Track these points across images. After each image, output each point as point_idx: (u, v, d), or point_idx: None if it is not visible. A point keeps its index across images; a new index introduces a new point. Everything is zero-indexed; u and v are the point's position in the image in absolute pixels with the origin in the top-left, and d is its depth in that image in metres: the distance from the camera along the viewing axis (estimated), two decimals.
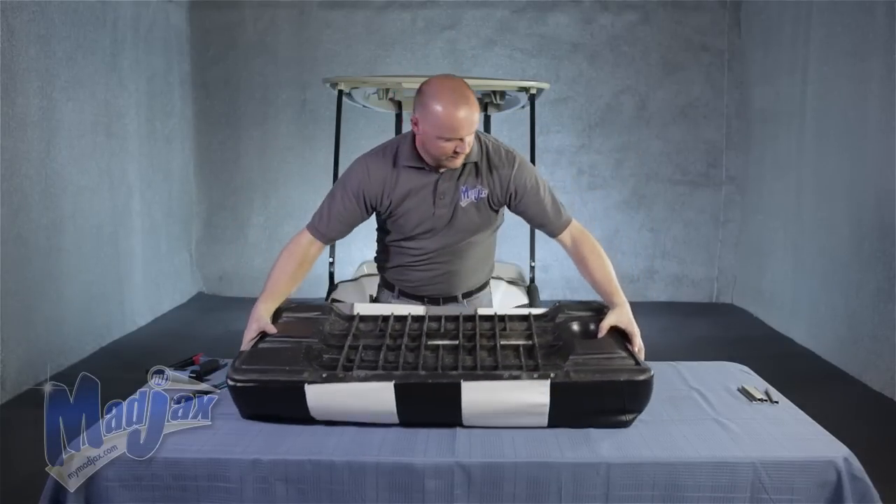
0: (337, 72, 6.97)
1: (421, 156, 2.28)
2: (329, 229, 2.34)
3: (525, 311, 2.23)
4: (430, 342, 2.01)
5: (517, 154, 2.42)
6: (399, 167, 2.31)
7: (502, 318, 2.15)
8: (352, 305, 2.30)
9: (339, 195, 2.34)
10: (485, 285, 2.61)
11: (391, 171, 2.31)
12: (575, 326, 2.06)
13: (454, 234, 2.38)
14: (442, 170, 2.31)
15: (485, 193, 2.34)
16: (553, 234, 2.41)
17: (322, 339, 2.02)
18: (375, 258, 2.61)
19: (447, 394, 1.76)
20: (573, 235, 2.38)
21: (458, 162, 2.24)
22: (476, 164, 2.33)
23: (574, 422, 1.78)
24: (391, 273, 2.53)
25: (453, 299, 2.51)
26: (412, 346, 1.98)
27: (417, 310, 2.25)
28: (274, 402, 1.81)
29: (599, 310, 2.12)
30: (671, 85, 7.33)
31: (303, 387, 1.77)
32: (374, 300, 2.64)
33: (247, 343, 2.11)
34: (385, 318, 2.16)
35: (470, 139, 2.19)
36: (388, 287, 2.56)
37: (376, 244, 2.57)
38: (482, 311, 2.23)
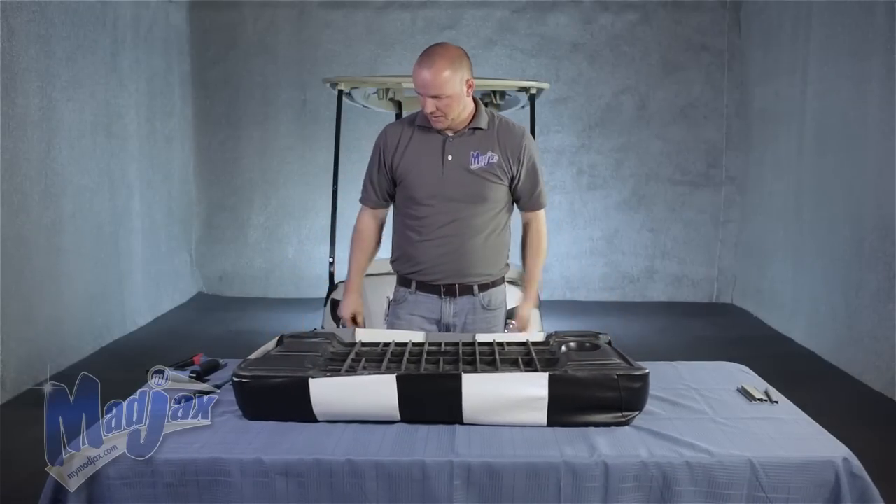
0: (337, 72, 6.97)
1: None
2: (371, 196, 2.58)
3: (523, 338, 2.24)
4: (430, 359, 2.02)
5: (525, 129, 2.56)
6: (414, 127, 2.49)
7: (501, 343, 2.17)
8: (353, 332, 2.30)
9: (371, 162, 2.57)
10: (500, 280, 2.61)
11: (406, 129, 2.50)
12: (572, 345, 2.08)
13: (464, 200, 2.43)
14: (450, 133, 2.43)
15: (496, 158, 2.43)
16: (523, 208, 2.58)
17: (325, 358, 2.02)
18: (391, 259, 2.64)
19: (448, 387, 1.78)
20: (534, 221, 2.61)
21: (437, 124, 2.40)
22: (486, 130, 2.45)
23: (572, 419, 1.79)
24: (404, 261, 2.55)
25: (469, 290, 2.51)
26: (413, 361, 1.99)
27: (417, 336, 2.26)
28: (278, 398, 1.81)
29: (595, 335, 2.14)
30: (671, 85, 7.33)
31: (307, 381, 1.78)
32: (392, 301, 2.65)
33: (345, 321, 2.56)
34: (386, 344, 2.16)
35: (439, 103, 2.32)
36: (405, 284, 2.57)
37: (391, 241, 2.62)
38: (480, 338, 2.23)
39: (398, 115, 5.15)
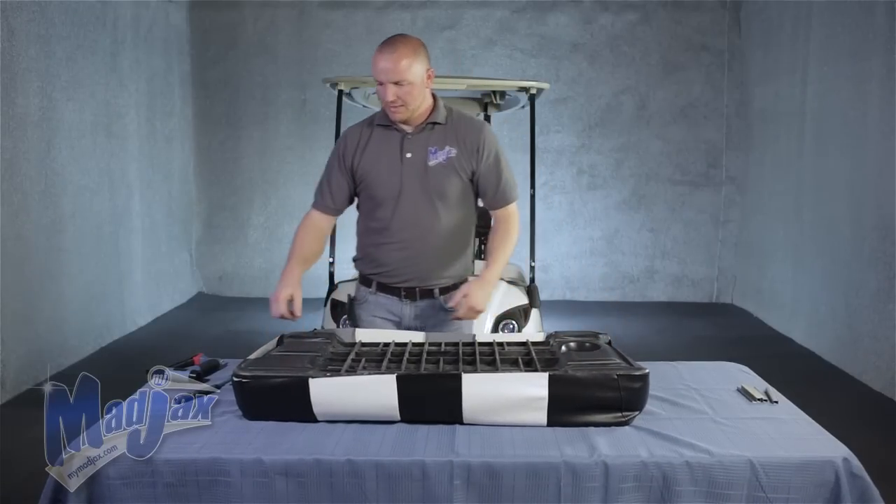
0: (337, 72, 6.97)
1: (390, 116, 2.43)
2: (325, 200, 2.50)
3: (523, 338, 2.24)
4: (430, 359, 2.02)
5: (484, 122, 2.53)
6: (373, 126, 2.47)
7: (501, 343, 2.17)
8: (353, 332, 2.29)
9: (329, 164, 2.52)
10: (463, 281, 2.55)
11: (366, 130, 2.48)
12: (572, 345, 2.08)
13: (424, 199, 2.39)
14: (408, 129, 2.41)
15: (454, 153, 2.40)
16: (489, 206, 2.52)
17: (325, 358, 2.02)
18: (354, 258, 2.60)
19: (448, 387, 1.78)
20: (503, 216, 2.51)
21: (397, 114, 2.36)
22: (443, 125, 2.43)
23: (572, 419, 1.79)
24: (367, 262, 2.52)
25: (430, 294, 2.47)
26: (413, 361, 1.99)
27: (417, 336, 2.25)
28: (278, 398, 1.81)
29: (595, 335, 2.14)
30: (671, 85, 7.34)
31: (307, 381, 1.78)
32: (351, 300, 2.62)
33: (282, 308, 2.34)
34: (386, 344, 2.16)
35: (399, 91, 2.30)
36: (366, 283, 2.54)
37: (356, 241, 2.58)
38: (480, 338, 2.23)
39: None
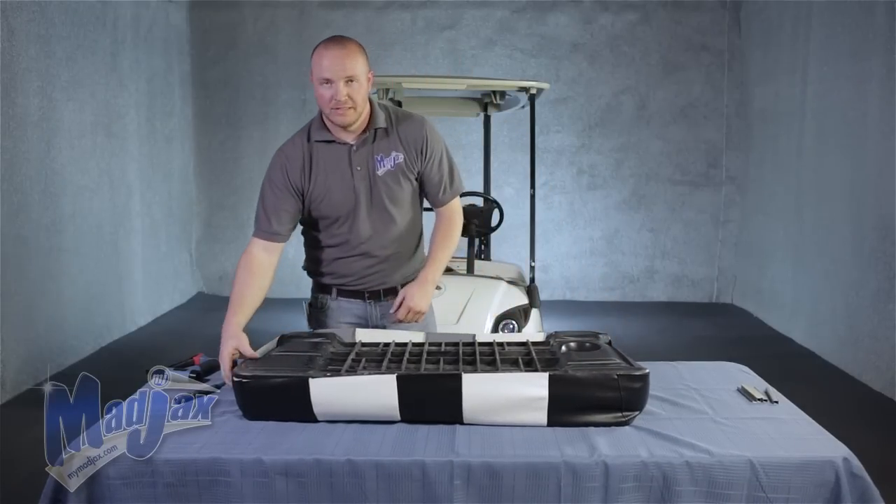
0: None
1: (329, 128, 2.31)
2: (272, 226, 2.32)
3: (523, 338, 2.24)
4: (430, 359, 2.02)
5: (425, 118, 2.42)
6: (312, 144, 2.33)
7: (501, 343, 2.17)
8: (353, 332, 2.29)
9: (267, 190, 2.34)
10: None
11: (306, 149, 2.33)
12: (572, 345, 2.08)
13: (379, 209, 2.34)
14: (353, 142, 2.31)
15: (401, 158, 2.34)
16: (433, 204, 2.48)
17: (325, 358, 2.02)
18: (304, 266, 2.53)
19: (448, 387, 1.78)
20: (445, 213, 2.46)
21: (345, 117, 2.24)
22: (386, 129, 2.34)
23: (572, 419, 1.79)
24: (326, 276, 2.46)
25: (393, 291, 2.44)
26: (414, 361, 1.99)
27: (417, 336, 2.26)
28: (278, 398, 1.81)
29: (596, 335, 2.14)
30: (671, 85, 7.34)
31: (307, 381, 1.78)
32: (311, 306, 2.53)
33: (227, 367, 2.01)
34: (386, 344, 2.16)
35: (350, 89, 2.19)
36: (324, 290, 2.48)
37: (304, 250, 2.50)
38: (480, 339, 2.23)
39: None
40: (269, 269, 2.33)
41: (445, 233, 2.44)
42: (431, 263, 2.39)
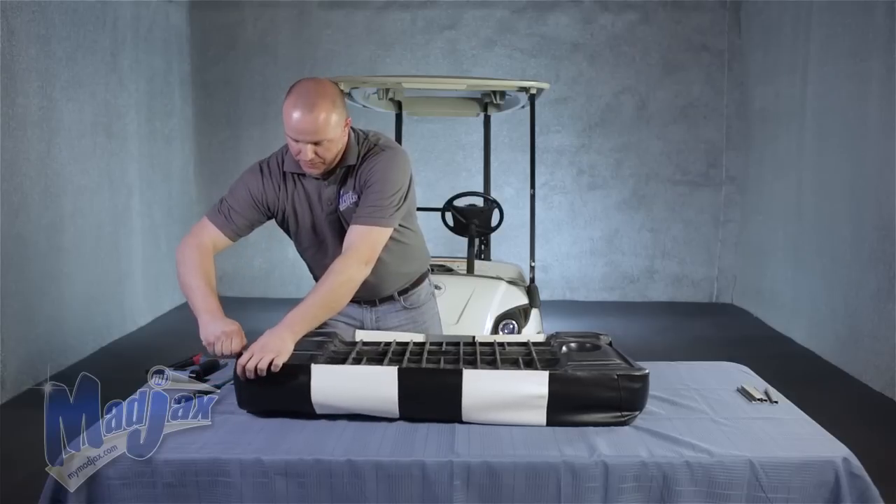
0: (337, 72, 6.97)
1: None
2: (232, 223, 2.25)
3: (523, 338, 2.24)
4: (431, 358, 2.03)
5: (391, 151, 2.24)
6: (286, 174, 2.26)
7: (501, 343, 2.17)
8: (353, 332, 2.30)
9: (240, 189, 2.27)
10: (420, 280, 2.51)
11: (280, 178, 2.26)
12: (572, 345, 2.08)
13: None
14: (322, 178, 2.23)
15: (356, 198, 2.22)
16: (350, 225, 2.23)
17: (326, 357, 2.02)
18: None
19: (449, 382, 1.79)
20: (352, 239, 2.14)
21: (313, 170, 2.16)
22: (353, 166, 2.23)
23: (572, 418, 1.79)
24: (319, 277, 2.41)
25: (388, 298, 2.45)
26: (414, 360, 1.99)
27: (418, 336, 2.26)
28: (279, 384, 1.82)
29: (596, 336, 2.14)
30: (671, 85, 7.34)
31: (309, 368, 1.80)
32: None
33: (237, 348, 1.99)
34: (388, 343, 2.17)
35: (319, 149, 2.09)
36: None
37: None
38: (481, 339, 2.23)
39: (398, 116, 5.17)
40: (211, 255, 2.24)
41: (337, 269, 2.08)
42: (302, 304, 2.02)
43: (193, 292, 2.15)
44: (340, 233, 2.25)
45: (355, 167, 2.23)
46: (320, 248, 2.35)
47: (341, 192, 2.25)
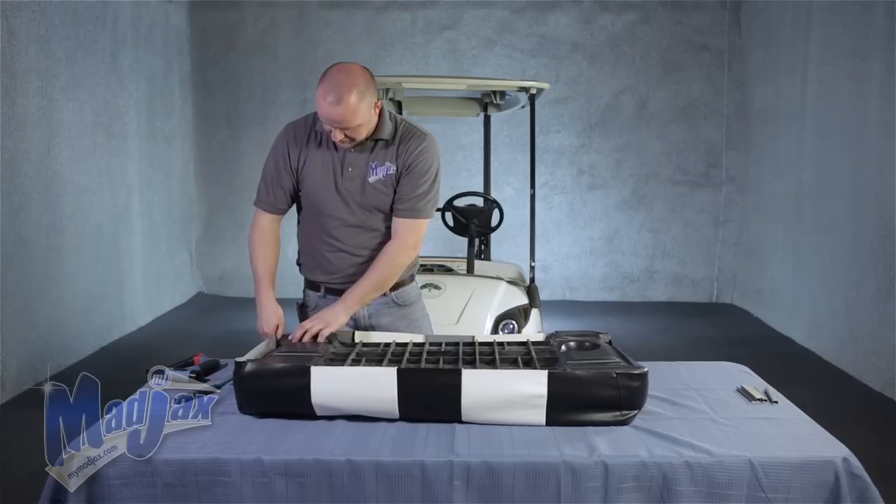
0: None
1: None
2: (274, 199, 2.43)
3: (523, 338, 2.25)
4: (430, 358, 2.03)
5: (430, 137, 2.39)
6: (315, 132, 2.37)
7: (501, 343, 2.17)
8: (353, 334, 2.30)
9: (270, 162, 2.42)
10: (410, 279, 2.55)
11: (310, 130, 2.37)
12: (572, 344, 2.08)
13: (364, 212, 2.36)
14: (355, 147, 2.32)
15: (392, 170, 2.34)
16: (396, 214, 2.38)
17: (326, 358, 2.03)
18: (297, 260, 2.60)
19: (448, 382, 1.79)
20: (400, 230, 2.35)
21: (345, 145, 2.29)
22: (387, 141, 2.34)
23: (571, 417, 1.79)
24: (314, 268, 2.50)
25: (380, 294, 2.45)
26: (414, 360, 1.99)
27: (417, 336, 2.26)
28: (279, 385, 1.82)
29: (596, 335, 2.14)
30: (671, 85, 7.34)
31: (309, 370, 1.80)
32: (301, 305, 2.58)
33: (271, 331, 2.28)
34: (387, 344, 2.17)
35: (348, 132, 2.22)
36: (314, 288, 2.52)
37: (298, 244, 2.56)
38: (480, 339, 2.23)
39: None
40: (278, 235, 2.49)
41: (390, 253, 2.34)
42: (354, 290, 2.31)
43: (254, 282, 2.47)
44: (360, 200, 2.34)
45: (390, 143, 2.34)
46: (338, 213, 2.37)
47: (371, 163, 2.34)
